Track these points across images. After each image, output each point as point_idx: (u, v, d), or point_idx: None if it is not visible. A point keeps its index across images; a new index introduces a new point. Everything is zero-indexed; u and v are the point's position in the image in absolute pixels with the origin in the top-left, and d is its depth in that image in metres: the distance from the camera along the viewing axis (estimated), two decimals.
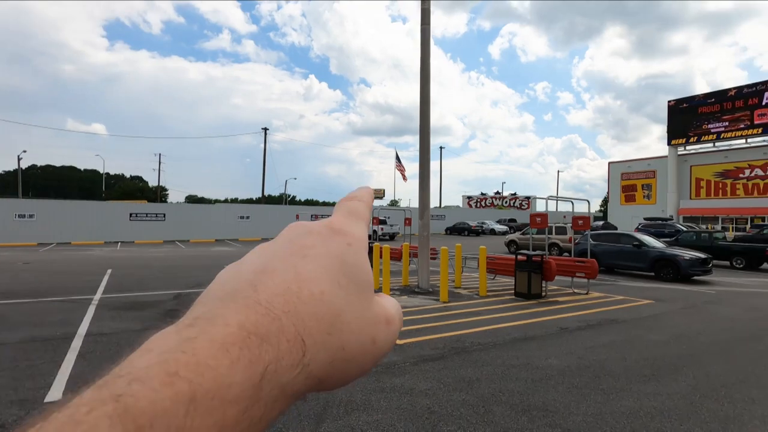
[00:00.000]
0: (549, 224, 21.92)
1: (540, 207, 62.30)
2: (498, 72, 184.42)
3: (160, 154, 60.51)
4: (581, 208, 12.19)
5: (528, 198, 64.09)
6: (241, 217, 35.07)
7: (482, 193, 71.63)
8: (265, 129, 42.47)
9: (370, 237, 34.09)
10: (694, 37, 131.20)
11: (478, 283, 9.87)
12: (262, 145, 43.03)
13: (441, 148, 55.92)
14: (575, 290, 10.49)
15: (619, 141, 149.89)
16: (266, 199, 68.09)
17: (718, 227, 41.20)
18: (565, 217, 31.18)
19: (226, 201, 69.97)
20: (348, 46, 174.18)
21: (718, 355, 5.42)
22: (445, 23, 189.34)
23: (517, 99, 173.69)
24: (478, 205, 68.77)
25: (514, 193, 67.08)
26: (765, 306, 8.90)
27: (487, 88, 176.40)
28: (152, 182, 69.73)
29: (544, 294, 9.55)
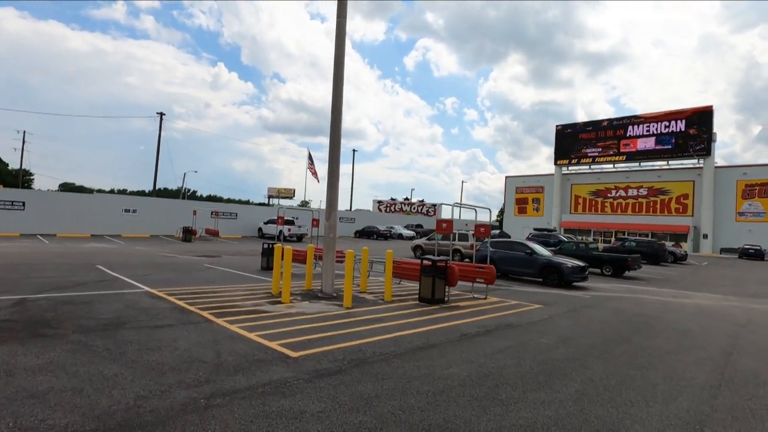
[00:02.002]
0: (453, 231, 22.96)
1: (446, 213, 65.76)
2: (411, 83, 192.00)
3: (24, 132, 51.14)
4: (483, 217, 12.76)
5: (435, 205, 67.13)
6: (126, 210, 30.94)
7: (392, 198, 73.35)
8: (161, 114, 38.20)
9: (274, 238, 32.40)
10: (578, 72, 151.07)
11: (384, 287, 9.66)
12: (160, 132, 38.67)
13: (354, 150, 55.99)
14: (475, 295, 10.84)
15: (515, 158, 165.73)
16: (161, 193, 61.46)
17: (591, 239, 47.33)
18: (467, 225, 33.27)
19: (111, 192, 61.72)
20: (262, 37, 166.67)
21: (598, 358, 5.78)
22: (365, 29, 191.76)
23: (428, 111, 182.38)
24: (388, 210, 70.20)
25: (422, 200, 69.83)
26: (627, 309, 10.05)
27: (402, 98, 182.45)
28: (14, 164, 58.61)
29: (446, 299, 9.66)
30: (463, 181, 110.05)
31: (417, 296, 9.69)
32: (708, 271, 24.21)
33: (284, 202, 59.36)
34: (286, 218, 35.22)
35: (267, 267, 13.84)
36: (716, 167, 46.45)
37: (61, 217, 27.72)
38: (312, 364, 4.84)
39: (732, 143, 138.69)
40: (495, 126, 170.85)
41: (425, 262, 9.46)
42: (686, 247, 41.93)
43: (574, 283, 14.15)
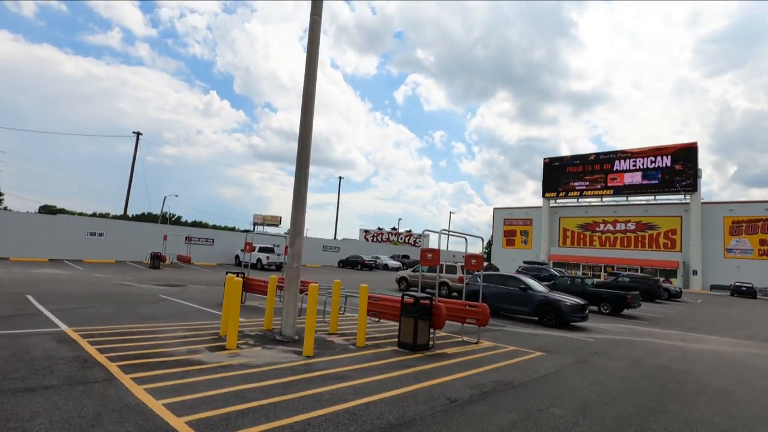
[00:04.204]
0: (440, 262, 21.44)
1: (433, 242, 64.30)
2: (401, 116, 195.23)
3: None
4: (475, 247, 11.33)
5: (422, 236, 65.75)
6: (92, 234, 28.75)
7: (379, 228, 71.88)
8: (138, 133, 36.62)
9: (247, 266, 30.42)
10: (562, 111, 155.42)
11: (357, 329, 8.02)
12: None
13: (340, 178, 54.91)
14: (465, 338, 9.26)
15: (502, 192, 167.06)
16: (142, 218, 59.02)
17: (580, 272, 46.20)
18: (454, 256, 31.87)
19: (82, 215, 59.01)
20: (256, 67, 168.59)
21: None
22: (357, 63, 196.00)
23: (417, 143, 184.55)
24: (375, 240, 68.58)
25: (410, 230, 68.48)
26: (642, 358, 8.57)
27: (391, 130, 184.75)
28: None
29: (431, 344, 8.05)
30: (451, 212, 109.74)
31: (396, 340, 8.07)
32: (706, 309, 22.98)
33: (270, 230, 57.28)
34: (265, 246, 33.37)
35: None
36: (703, 203, 46.38)
37: (17, 239, 25.44)
38: None
39: (710, 182, 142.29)
40: (482, 160, 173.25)
41: (406, 299, 7.90)
42: (676, 283, 41.02)
43: (573, 323, 12.68)
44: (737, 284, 37.65)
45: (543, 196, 56.81)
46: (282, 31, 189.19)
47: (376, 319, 10.42)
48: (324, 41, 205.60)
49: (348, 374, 5.86)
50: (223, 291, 12.41)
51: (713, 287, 42.84)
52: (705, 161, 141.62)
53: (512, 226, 61.05)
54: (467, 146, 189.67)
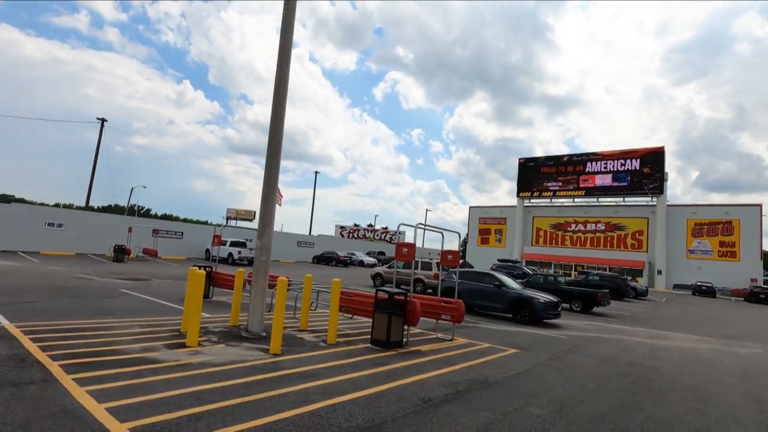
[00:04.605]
0: (416, 258, 21.27)
1: (409, 237, 64.45)
2: (380, 113, 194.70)
3: None
4: (452, 242, 11.19)
5: (398, 232, 65.69)
6: (50, 224, 27.18)
7: (355, 225, 71.43)
8: (103, 120, 34.86)
9: (225, 261, 29.46)
10: (537, 113, 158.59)
11: (329, 325, 7.69)
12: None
13: (316, 172, 53.99)
14: (439, 335, 9.08)
15: (477, 191, 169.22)
16: (109, 209, 56.48)
17: (552, 271, 47.20)
18: (429, 253, 31.88)
19: (42, 205, 56.00)
20: (232, 58, 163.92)
21: None
22: (336, 58, 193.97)
23: (395, 141, 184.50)
24: (351, 236, 68.14)
25: (386, 227, 68.36)
26: (614, 356, 8.61)
27: (370, 126, 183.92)
28: None
29: (405, 341, 7.82)
30: (427, 210, 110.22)
31: (369, 337, 7.79)
32: (670, 308, 23.77)
33: (244, 224, 55.81)
34: (237, 240, 32.38)
35: None
36: (668, 206, 48.15)
37: None
38: None
39: (674, 186, 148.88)
40: (459, 159, 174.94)
41: (380, 295, 7.63)
42: (642, 282, 42.46)
43: (546, 321, 12.74)
44: (698, 284, 39.26)
45: (517, 195, 57.73)
46: (260, 22, 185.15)
47: (350, 316, 10.12)
48: (303, 34, 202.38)
49: (317, 373, 5.54)
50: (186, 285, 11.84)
51: (676, 286, 44.60)
52: (670, 166, 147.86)
53: (487, 225, 61.81)
54: (444, 145, 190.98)
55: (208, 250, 32.83)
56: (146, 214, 70.59)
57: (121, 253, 24.67)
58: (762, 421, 5.23)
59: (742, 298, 36.84)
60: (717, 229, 44.96)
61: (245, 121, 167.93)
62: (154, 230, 30.59)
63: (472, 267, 31.81)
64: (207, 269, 11.54)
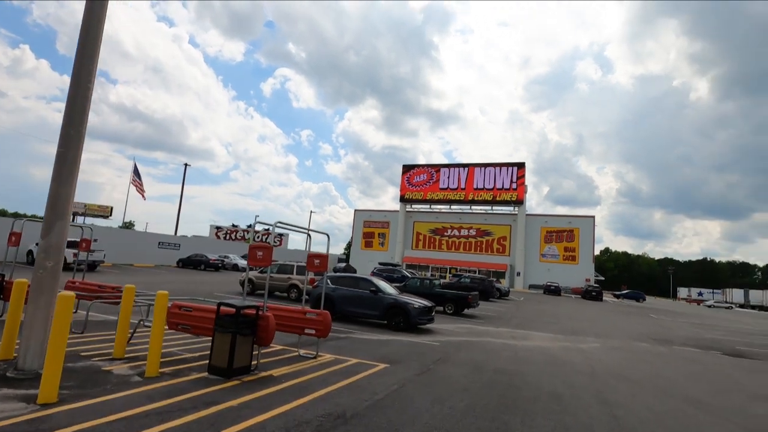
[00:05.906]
0: (290, 263, 19.64)
1: (281, 239, 61.71)
2: (267, 109, 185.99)
3: None
4: (336, 248, 10.05)
5: (281, 235, 62.39)
6: None
7: (234, 225, 65.99)
8: None
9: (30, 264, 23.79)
10: (422, 125, 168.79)
11: (150, 350, 5.84)
12: None
13: (185, 164, 47.86)
14: (302, 352, 7.84)
15: (365, 195, 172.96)
16: None
17: (429, 274, 49.60)
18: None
19: None
20: None
21: None
22: (222, 45, 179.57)
23: (283, 140, 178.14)
24: (228, 237, 62.75)
25: (268, 229, 64.50)
26: (483, 363, 8.44)
27: (256, 122, 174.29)
28: None
29: (254, 366, 6.40)
30: (311, 212, 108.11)
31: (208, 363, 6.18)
32: (527, 306, 26.31)
33: (99, 222, 46.45)
34: (73, 240, 26.47)
35: None
36: (527, 215, 54.60)
37: None
38: None
39: (530, 199, 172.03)
40: (347, 163, 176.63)
41: (224, 309, 6.09)
42: (505, 282, 47.17)
43: (420, 326, 12.47)
44: (548, 284, 45.06)
45: (400, 200, 59.68)
46: None
47: (196, 335, 8.26)
48: (183, 14, 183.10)
49: (110, 428, 3.84)
50: None
51: (531, 286, 50.67)
52: (528, 181, 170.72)
53: (371, 228, 62.62)
54: (334, 148, 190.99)
55: (30, 252, 26.29)
56: None
57: None
58: (611, 425, 5.19)
59: (580, 296, 43.61)
60: (563, 236, 52.37)
61: (106, 102, 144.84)
62: None
63: (356, 271, 31.33)
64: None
